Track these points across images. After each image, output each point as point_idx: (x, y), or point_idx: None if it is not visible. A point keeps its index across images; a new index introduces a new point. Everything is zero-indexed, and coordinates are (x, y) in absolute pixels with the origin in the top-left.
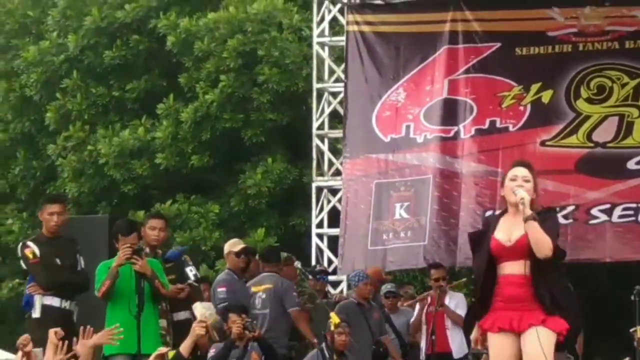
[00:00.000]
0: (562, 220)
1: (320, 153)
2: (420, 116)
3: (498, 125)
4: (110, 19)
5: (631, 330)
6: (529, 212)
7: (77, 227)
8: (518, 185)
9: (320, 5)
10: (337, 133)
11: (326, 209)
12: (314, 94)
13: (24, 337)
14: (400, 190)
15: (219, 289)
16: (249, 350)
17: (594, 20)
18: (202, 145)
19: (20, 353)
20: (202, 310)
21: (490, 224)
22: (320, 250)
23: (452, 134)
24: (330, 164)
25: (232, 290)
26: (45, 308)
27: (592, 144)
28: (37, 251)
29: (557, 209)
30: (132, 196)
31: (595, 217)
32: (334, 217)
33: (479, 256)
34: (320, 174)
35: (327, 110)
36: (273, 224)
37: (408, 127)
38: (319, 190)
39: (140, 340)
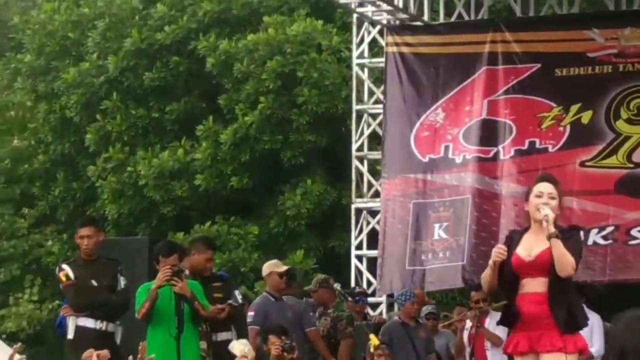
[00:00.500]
0: (601, 241)
1: (360, 174)
2: (459, 136)
3: (537, 146)
4: (150, 40)
5: None
6: (552, 229)
7: (117, 249)
8: (543, 202)
9: (359, 26)
10: (377, 154)
11: (365, 230)
12: (354, 115)
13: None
14: (439, 211)
15: (249, 313)
16: None
17: (634, 41)
18: (241, 167)
19: None
20: (240, 347)
21: (513, 239)
22: (359, 272)
23: (491, 154)
24: (370, 185)
25: (262, 313)
26: (78, 329)
27: (631, 165)
28: (71, 273)
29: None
30: (172, 217)
31: (635, 238)
32: (373, 239)
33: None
34: (360, 195)
35: (367, 132)
36: (312, 246)
37: (447, 147)
38: (359, 211)
39: None
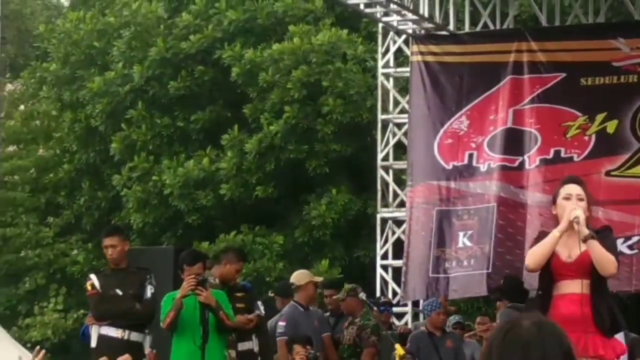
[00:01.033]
0: (627, 251)
1: (385, 184)
2: (484, 145)
3: (563, 155)
4: (175, 49)
5: None
6: (586, 231)
7: (142, 258)
8: (573, 204)
9: (385, 36)
10: (402, 164)
11: (391, 240)
12: (379, 125)
13: None
14: (464, 219)
15: (280, 323)
16: None
17: None
18: (266, 176)
19: None
20: None
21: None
22: (384, 282)
23: (516, 164)
24: (395, 195)
25: (292, 323)
26: (101, 338)
27: None
28: (97, 283)
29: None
30: (197, 227)
31: None
32: (399, 249)
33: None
34: (385, 205)
35: (392, 142)
36: (337, 255)
37: (471, 155)
38: (384, 221)
39: None
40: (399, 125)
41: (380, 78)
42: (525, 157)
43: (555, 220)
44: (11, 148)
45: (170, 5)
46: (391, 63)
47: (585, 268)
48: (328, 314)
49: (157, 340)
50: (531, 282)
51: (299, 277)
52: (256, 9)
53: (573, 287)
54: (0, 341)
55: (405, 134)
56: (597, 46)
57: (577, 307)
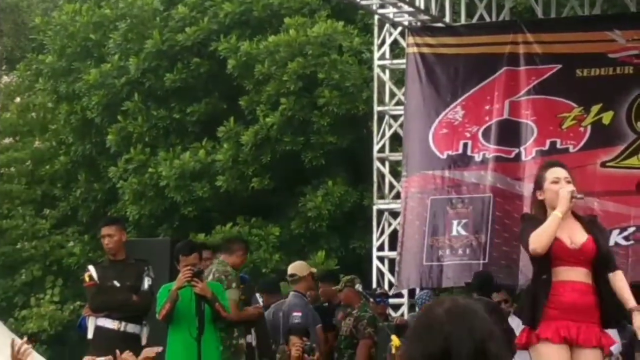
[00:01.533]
0: (622, 242)
1: (381, 176)
2: (479, 135)
3: (558, 146)
4: (171, 42)
5: None
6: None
7: (138, 250)
8: (562, 187)
9: (381, 28)
10: (398, 156)
11: (387, 231)
12: (375, 116)
13: None
14: (458, 208)
15: (295, 313)
16: None
17: None
18: (262, 168)
19: None
20: None
21: (534, 224)
22: (381, 273)
23: (513, 155)
24: (391, 186)
25: (305, 314)
26: (97, 329)
27: None
28: (95, 274)
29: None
30: (193, 218)
31: None
32: (395, 240)
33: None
34: (381, 196)
35: (388, 133)
36: (334, 247)
37: (465, 144)
38: (380, 213)
39: None
40: (395, 117)
41: (376, 70)
42: (522, 148)
43: (541, 206)
44: (7, 140)
45: None
46: (387, 55)
47: (590, 256)
48: (327, 303)
49: (153, 332)
50: (527, 273)
51: (300, 268)
52: (252, 2)
53: (575, 274)
54: None
55: (401, 125)
56: (593, 38)
57: (581, 296)
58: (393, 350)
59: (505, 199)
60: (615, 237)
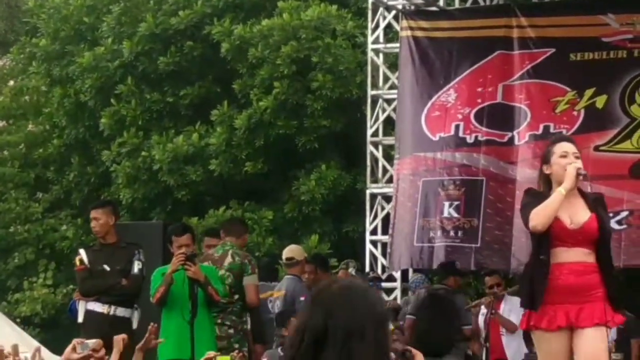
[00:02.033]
0: (615, 226)
1: (375, 160)
2: (471, 116)
3: (552, 130)
4: (165, 25)
5: None
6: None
7: (131, 233)
8: (570, 162)
9: (374, 12)
10: (392, 140)
11: (380, 215)
12: (369, 100)
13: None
14: (449, 189)
15: (302, 298)
16: None
17: None
18: (255, 152)
19: None
20: None
21: (539, 200)
22: (374, 257)
23: (506, 139)
24: (385, 170)
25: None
26: (87, 313)
27: None
28: (86, 258)
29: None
30: (186, 202)
31: None
32: (388, 224)
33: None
34: (374, 180)
35: (382, 117)
36: (327, 231)
37: (457, 126)
38: (373, 197)
39: (194, 347)
40: (389, 101)
41: (370, 54)
42: (515, 132)
43: (547, 180)
44: (0, 124)
45: None
46: (381, 39)
47: (591, 237)
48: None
49: (145, 316)
50: (520, 257)
51: (298, 252)
52: None
53: (574, 255)
54: None
55: (394, 109)
56: (587, 22)
57: (579, 276)
58: None
59: (497, 182)
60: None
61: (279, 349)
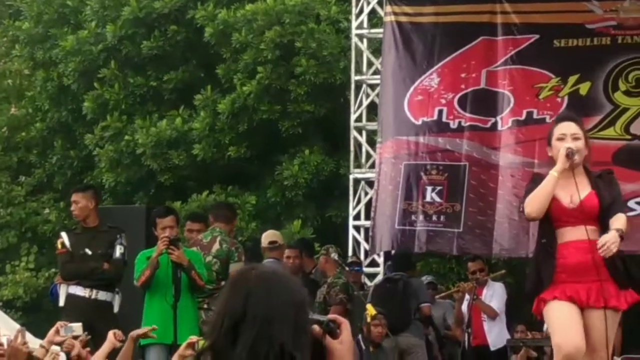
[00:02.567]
0: None
1: (358, 145)
2: (455, 102)
3: (535, 116)
4: (148, 9)
5: None
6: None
7: (114, 217)
8: (568, 144)
9: None
10: (375, 125)
11: (363, 201)
12: (352, 86)
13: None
14: (432, 174)
15: None
16: None
17: (633, 13)
18: (239, 137)
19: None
20: None
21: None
22: (357, 242)
23: (489, 125)
24: (368, 156)
25: None
26: (69, 297)
27: (629, 137)
28: (67, 242)
29: None
30: (169, 186)
31: (633, 210)
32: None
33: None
34: (358, 165)
35: (365, 103)
36: (310, 216)
37: (441, 111)
38: (356, 182)
39: (176, 331)
40: (373, 87)
41: (354, 39)
42: (498, 118)
43: (552, 163)
44: None
45: None
46: (365, 24)
47: (590, 213)
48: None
49: (127, 299)
50: (502, 242)
51: (279, 236)
52: None
53: (578, 233)
54: None
55: (378, 95)
56: (571, 8)
57: (585, 254)
58: (368, 319)
59: (480, 167)
60: None
61: None
